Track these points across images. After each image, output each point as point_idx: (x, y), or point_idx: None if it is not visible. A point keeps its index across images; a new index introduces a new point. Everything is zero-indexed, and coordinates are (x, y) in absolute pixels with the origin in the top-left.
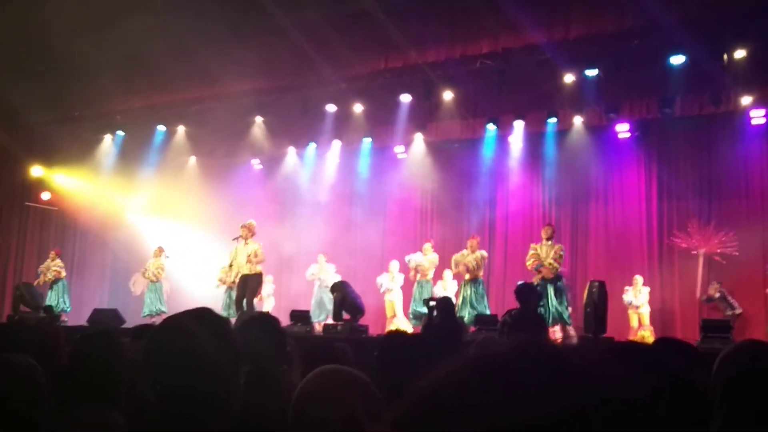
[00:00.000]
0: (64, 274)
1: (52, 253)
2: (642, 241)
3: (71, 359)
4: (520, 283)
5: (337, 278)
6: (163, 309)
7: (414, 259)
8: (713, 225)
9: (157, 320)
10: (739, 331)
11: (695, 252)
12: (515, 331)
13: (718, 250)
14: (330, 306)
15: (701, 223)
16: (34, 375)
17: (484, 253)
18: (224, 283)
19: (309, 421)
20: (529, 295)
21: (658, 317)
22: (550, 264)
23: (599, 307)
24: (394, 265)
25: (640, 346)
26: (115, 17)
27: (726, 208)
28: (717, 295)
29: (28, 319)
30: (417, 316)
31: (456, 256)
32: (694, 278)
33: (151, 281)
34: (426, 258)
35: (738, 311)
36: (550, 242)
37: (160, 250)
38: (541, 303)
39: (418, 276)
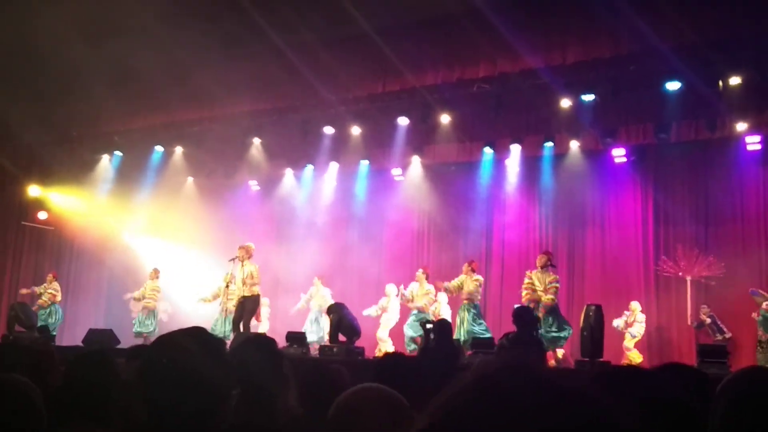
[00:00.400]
0: (59, 298)
1: (50, 276)
2: (638, 265)
3: (65, 379)
4: (517, 306)
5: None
6: (153, 329)
7: (410, 296)
8: (698, 250)
9: (149, 340)
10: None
11: (682, 276)
12: (512, 354)
13: (705, 274)
14: (325, 328)
15: (687, 248)
16: (29, 393)
17: (481, 278)
18: (208, 302)
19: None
20: (526, 318)
21: (655, 342)
22: (547, 299)
23: (596, 331)
24: (391, 288)
25: (636, 370)
26: (113, 38)
27: (722, 233)
28: (708, 320)
29: (22, 339)
30: (412, 341)
31: (452, 282)
32: (684, 304)
33: (148, 308)
34: (423, 293)
35: (728, 336)
36: (544, 270)
37: (156, 272)
38: (537, 326)
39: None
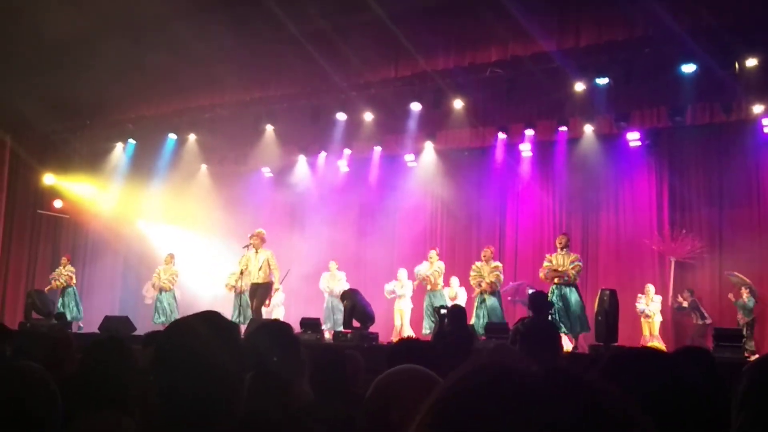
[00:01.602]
0: (74, 280)
1: (64, 259)
2: (653, 249)
3: (81, 366)
4: (531, 291)
5: (347, 286)
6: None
7: (420, 270)
8: (684, 231)
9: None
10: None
11: (667, 256)
12: (528, 340)
13: (686, 256)
14: (341, 315)
15: (675, 229)
16: (45, 381)
17: (498, 263)
18: (233, 289)
19: (382, 413)
20: (542, 303)
21: (670, 326)
22: (572, 275)
23: (611, 315)
24: (403, 273)
25: (650, 352)
26: (127, 27)
27: (737, 216)
28: (685, 304)
29: (39, 327)
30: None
31: (473, 269)
32: (705, 287)
33: (164, 289)
34: (432, 269)
35: (708, 321)
36: (565, 251)
37: (171, 257)
38: (552, 311)
39: (428, 287)
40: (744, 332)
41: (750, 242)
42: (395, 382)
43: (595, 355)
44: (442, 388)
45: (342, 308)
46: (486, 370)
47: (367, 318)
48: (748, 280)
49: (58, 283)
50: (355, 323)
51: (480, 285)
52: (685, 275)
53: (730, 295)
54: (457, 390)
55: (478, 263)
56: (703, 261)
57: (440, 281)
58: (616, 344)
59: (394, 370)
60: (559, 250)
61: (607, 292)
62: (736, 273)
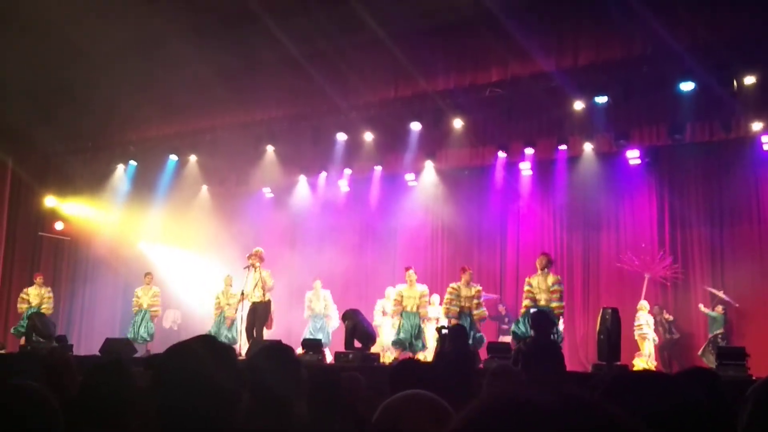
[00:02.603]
0: (45, 304)
1: (39, 279)
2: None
3: (82, 389)
4: (534, 310)
5: (332, 305)
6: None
7: (397, 292)
8: (661, 250)
9: (141, 348)
10: (677, 355)
11: (641, 273)
12: (531, 360)
13: (663, 274)
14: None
15: (648, 247)
16: (47, 401)
17: (479, 287)
18: (220, 309)
19: None
20: (544, 323)
21: (675, 345)
22: (558, 307)
23: (613, 334)
24: (391, 291)
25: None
26: (129, 49)
27: (738, 234)
28: (655, 319)
29: (40, 349)
30: (400, 344)
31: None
32: (708, 306)
33: (154, 315)
34: (412, 292)
35: (676, 336)
36: (545, 271)
37: (150, 276)
38: (554, 330)
39: (408, 308)
40: (709, 345)
41: (750, 259)
42: (403, 406)
43: (598, 374)
44: (459, 420)
45: (325, 328)
46: (502, 401)
47: (369, 338)
48: (725, 297)
49: (30, 304)
50: (357, 343)
51: (449, 313)
52: (688, 296)
53: (701, 305)
54: (475, 422)
55: (454, 284)
56: (703, 279)
57: (419, 306)
58: (618, 363)
59: (402, 394)
60: (539, 270)
61: (609, 310)
62: (711, 289)
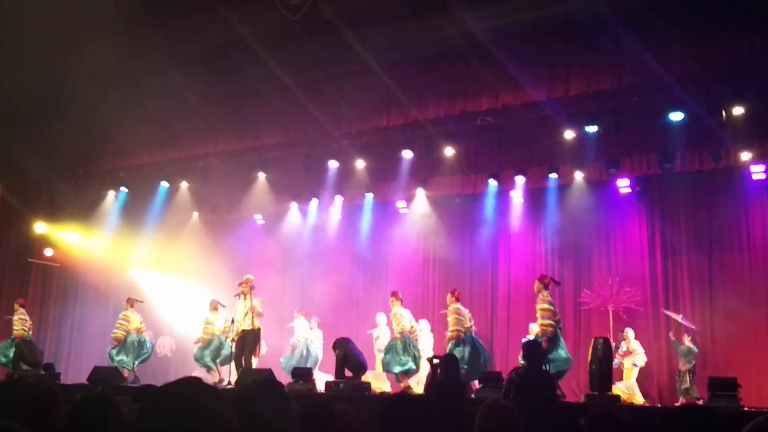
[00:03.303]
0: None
1: (19, 307)
2: (646, 295)
3: (70, 421)
4: (525, 340)
5: (308, 335)
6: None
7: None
8: (618, 280)
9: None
10: (640, 381)
11: (605, 307)
12: (521, 390)
13: (623, 306)
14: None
15: (604, 279)
16: None
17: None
18: (203, 341)
19: None
20: (536, 352)
21: (665, 375)
22: (542, 329)
23: (604, 364)
24: (381, 317)
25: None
26: (121, 76)
27: (728, 262)
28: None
29: (27, 377)
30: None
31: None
32: (697, 333)
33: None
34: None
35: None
36: (539, 294)
37: (132, 301)
38: (546, 360)
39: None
40: (687, 378)
41: (741, 287)
42: None
43: (590, 404)
44: None
45: (299, 356)
46: None
47: (360, 367)
48: (684, 321)
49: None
50: (348, 372)
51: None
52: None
53: (671, 334)
54: None
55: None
56: (693, 307)
57: (412, 327)
58: (609, 393)
59: None
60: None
61: (601, 340)
62: (668, 312)
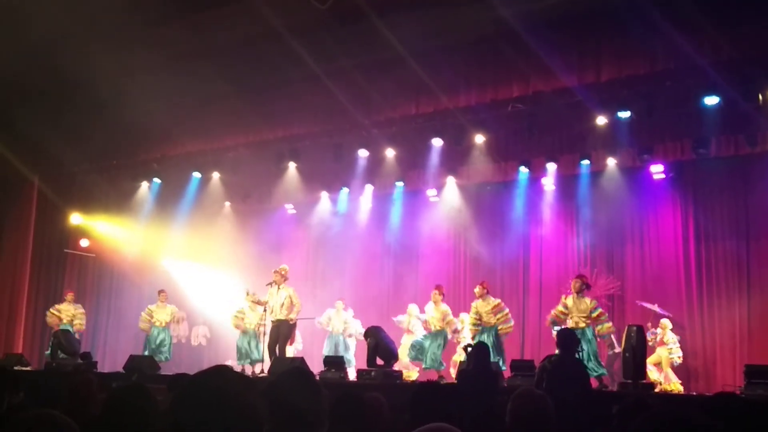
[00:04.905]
0: (76, 321)
1: (70, 296)
2: (680, 283)
3: (104, 411)
4: (559, 328)
5: (355, 324)
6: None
7: (424, 316)
8: (597, 269)
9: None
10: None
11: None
12: (554, 378)
13: (604, 293)
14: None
15: (638, 266)
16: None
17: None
18: (239, 328)
19: None
20: (570, 341)
21: (700, 362)
22: (608, 328)
23: (638, 352)
24: (413, 308)
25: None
26: (154, 69)
27: (764, 248)
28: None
29: (65, 366)
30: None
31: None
32: (734, 321)
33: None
34: (437, 315)
35: (618, 350)
36: (580, 295)
37: (165, 294)
38: (580, 349)
39: (433, 328)
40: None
41: None
42: None
43: (623, 392)
44: None
45: (347, 346)
46: None
47: (391, 356)
48: (660, 310)
49: (61, 319)
50: (379, 361)
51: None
52: (712, 311)
53: (649, 325)
54: None
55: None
56: (729, 295)
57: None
58: (644, 381)
59: (426, 428)
60: (574, 294)
61: (634, 328)
62: (644, 303)
